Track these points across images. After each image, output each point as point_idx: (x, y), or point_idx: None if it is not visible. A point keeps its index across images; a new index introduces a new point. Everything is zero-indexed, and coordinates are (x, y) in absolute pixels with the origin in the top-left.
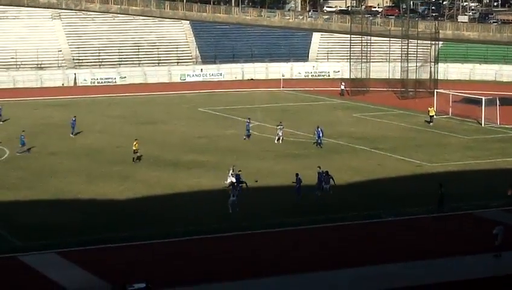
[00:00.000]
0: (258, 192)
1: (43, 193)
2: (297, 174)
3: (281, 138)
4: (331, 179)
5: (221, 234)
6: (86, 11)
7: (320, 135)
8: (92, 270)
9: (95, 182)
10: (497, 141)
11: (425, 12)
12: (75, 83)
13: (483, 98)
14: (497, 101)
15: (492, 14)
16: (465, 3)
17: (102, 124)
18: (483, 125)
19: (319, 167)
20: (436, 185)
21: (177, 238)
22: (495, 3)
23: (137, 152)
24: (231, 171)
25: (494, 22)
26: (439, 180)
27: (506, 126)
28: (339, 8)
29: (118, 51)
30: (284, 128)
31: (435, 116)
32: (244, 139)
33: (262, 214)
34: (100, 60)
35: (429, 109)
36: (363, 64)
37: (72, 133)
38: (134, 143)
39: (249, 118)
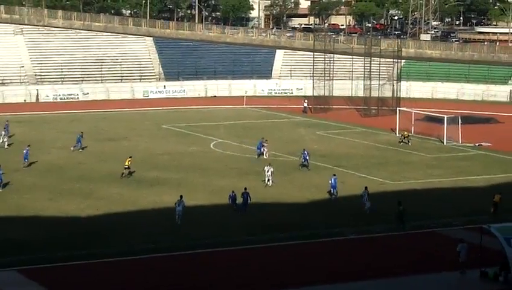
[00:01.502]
0: (219, 209)
1: (4, 209)
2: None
3: (266, 153)
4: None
5: (178, 252)
6: (49, 26)
7: (307, 157)
8: (52, 288)
9: (57, 199)
10: (459, 160)
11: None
12: (37, 99)
13: (445, 116)
14: (459, 120)
15: (455, 32)
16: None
17: (64, 141)
18: (445, 143)
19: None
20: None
21: (138, 256)
22: (457, 22)
23: (129, 168)
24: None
25: (456, 41)
26: (401, 198)
27: (468, 144)
28: (303, 26)
29: (80, 67)
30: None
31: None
32: (256, 158)
33: (221, 232)
34: (63, 76)
35: (404, 133)
36: (326, 82)
37: (74, 147)
38: (128, 160)
39: (262, 138)
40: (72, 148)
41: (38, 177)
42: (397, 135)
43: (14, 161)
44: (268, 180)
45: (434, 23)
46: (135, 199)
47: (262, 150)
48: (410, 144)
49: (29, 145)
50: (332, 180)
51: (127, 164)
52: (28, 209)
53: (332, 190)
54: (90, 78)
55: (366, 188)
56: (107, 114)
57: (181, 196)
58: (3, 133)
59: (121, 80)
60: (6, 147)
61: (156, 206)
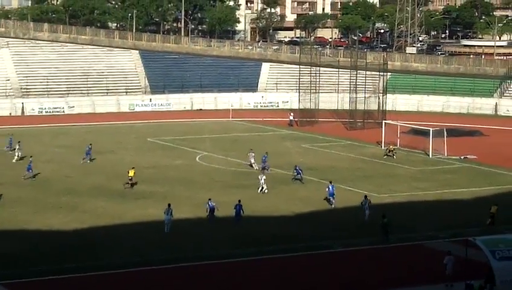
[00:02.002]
0: (205, 222)
1: None
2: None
3: (254, 164)
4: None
5: (164, 265)
6: (35, 39)
7: (300, 172)
8: None
9: (42, 213)
10: (445, 172)
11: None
12: (22, 112)
13: (431, 129)
14: (445, 133)
15: (440, 46)
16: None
17: (50, 154)
18: (430, 156)
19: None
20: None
21: (124, 269)
22: (443, 35)
23: (131, 179)
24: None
25: (441, 54)
26: (386, 211)
27: (454, 157)
28: (289, 39)
29: (66, 80)
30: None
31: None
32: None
33: (207, 245)
34: (48, 89)
35: (389, 146)
36: (312, 95)
37: (84, 159)
38: (132, 171)
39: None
40: (81, 160)
41: (24, 191)
42: (383, 148)
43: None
44: (262, 187)
45: (423, 37)
46: (121, 212)
47: (265, 164)
48: (395, 157)
49: (31, 156)
50: (330, 187)
51: (131, 174)
52: (13, 223)
53: (330, 197)
54: (75, 91)
55: (366, 196)
56: (92, 127)
57: (169, 204)
58: (17, 147)
59: (107, 93)
60: (14, 161)
61: (142, 219)
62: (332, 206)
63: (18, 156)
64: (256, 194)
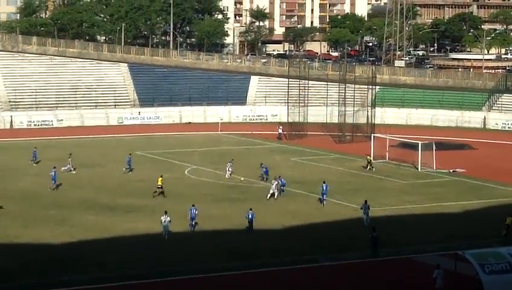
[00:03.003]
0: (194, 236)
1: None
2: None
3: (231, 173)
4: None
5: (153, 279)
6: (23, 52)
7: (284, 183)
8: None
9: (31, 226)
10: (434, 186)
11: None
12: (11, 125)
13: (420, 142)
14: (433, 146)
15: (429, 59)
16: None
17: (38, 167)
18: (419, 169)
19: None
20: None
21: (113, 283)
22: (431, 49)
23: (161, 187)
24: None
25: (430, 67)
26: (375, 225)
27: (442, 171)
28: (277, 52)
29: (55, 93)
30: (233, 164)
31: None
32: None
33: (196, 258)
34: (37, 102)
35: (368, 157)
36: (300, 108)
37: (126, 169)
38: (160, 179)
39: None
40: (123, 169)
41: (12, 204)
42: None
43: None
44: (273, 193)
45: (419, 51)
46: (110, 225)
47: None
48: (374, 169)
49: (55, 167)
50: (324, 187)
51: (159, 183)
52: (1, 237)
53: (323, 196)
54: (64, 104)
55: (366, 201)
56: (81, 140)
57: (165, 212)
58: (69, 160)
59: (96, 106)
60: (74, 172)
61: (131, 233)
62: (323, 205)
63: (69, 168)
64: (245, 208)
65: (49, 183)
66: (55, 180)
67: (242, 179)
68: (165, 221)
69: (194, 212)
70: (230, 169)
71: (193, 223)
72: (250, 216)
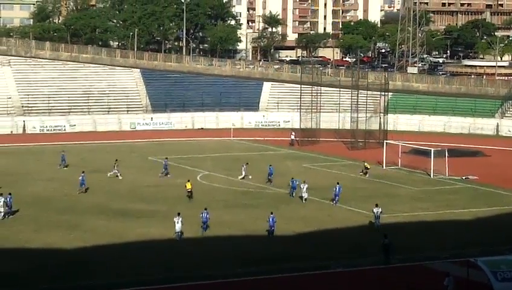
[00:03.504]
0: (206, 242)
1: None
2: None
3: (244, 177)
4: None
5: (166, 285)
6: (36, 58)
7: (295, 185)
8: None
9: (43, 231)
10: (446, 193)
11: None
12: (24, 130)
13: (432, 149)
14: (446, 153)
15: (441, 66)
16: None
17: (50, 173)
18: (432, 176)
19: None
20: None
21: (125, 289)
22: (444, 55)
23: (190, 191)
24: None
25: (442, 74)
26: (387, 231)
27: (455, 178)
28: (290, 58)
29: (67, 98)
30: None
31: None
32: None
33: (208, 264)
34: (50, 108)
35: (365, 163)
36: (313, 115)
37: (162, 173)
38: (189, 183)
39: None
40: (159, 174)
41: (25, 209)
42: (384, 167)
43: None
44: (302, 196)
45: (438, 58)
46: (122, 231)
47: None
48: (367, 176)
49: (83, 172)
50: (337, 188)
51: (189, 187)
52: (13, 241)
53: (335, 197)
54: (77, 109)
55: (377, 205)
56: (93, 146)
57: (178, 213)
58: (114, 166)
59: (108, 111)
60: (120, 177)
61: (144, 238)
62: (336, 204)
63: (116, 173)
64: (258, 214)
65: (78, 187)
66: (84, 184)
67: (250, 177)
68: (178, 222)
69: (205, 215)
70: (244, 172)
71: (205, 226)
72: (271, 220)
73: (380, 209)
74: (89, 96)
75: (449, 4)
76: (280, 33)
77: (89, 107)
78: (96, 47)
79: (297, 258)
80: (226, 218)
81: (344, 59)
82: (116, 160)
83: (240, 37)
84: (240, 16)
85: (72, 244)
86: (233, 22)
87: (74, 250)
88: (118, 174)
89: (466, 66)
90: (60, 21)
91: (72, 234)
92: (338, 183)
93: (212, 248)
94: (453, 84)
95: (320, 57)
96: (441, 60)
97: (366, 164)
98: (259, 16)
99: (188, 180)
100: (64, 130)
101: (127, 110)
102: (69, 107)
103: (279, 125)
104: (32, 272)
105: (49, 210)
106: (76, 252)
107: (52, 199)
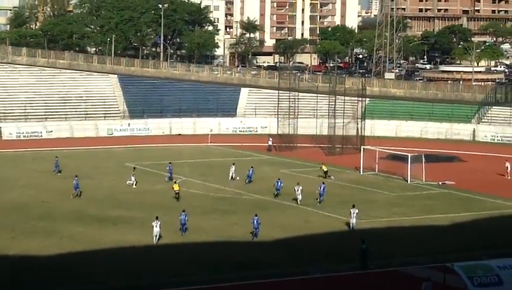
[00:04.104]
0: (183, 248)
1: None
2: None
3: (234, 176)
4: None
5: None
6: (13, 64)
7: (280, 186)
8: None
9: (20, 238)
10: (423, 198)
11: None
12: (0, 136)
13: (409, 154)
14: (423, 158)
15: (418, 71)
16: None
17: (27, 179)
18: (409, 182)
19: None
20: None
21: None
22: (421, 61)
23: (178, 193)
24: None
25: (419, 79)
26: (365, 237)
27: (432, 183)
28: (268, 64)
29: (44, 104)
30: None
31: (179, 192)
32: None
33: (184, 270)
34: (26, 114)
35: (322, 166)
36: (290, 120)
37: (169, 178)
38: (176, 185)
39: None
40: (166, 179)
41: (1, 216)
42: (361, 173)
43: None
44: (296, 198)
45: (426, 65)
46: (99, 237)
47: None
48: (332, 177)
49: (77, 176)
50: (321, 187)
51: (176, 188)
52: None
53: (320, 196)
54: (54, 115)
55: (354, 205)
56: (70, 152)
57: (157, 217)
58: (133, 173)
59: (85, 117)
60: (134, 186)
61: (121, 244)
62: (319, 203)
63: (133, 182)
64: (236, 220)
65: (72, 191)
66: (78, 188)
67: (238, 178)
68: (156, 226)
69: (184, 217)
70: (234, 173)
71: (184, 228)
72: (255, 222)
73: (356, 210)
74: (65, 102)
75: (426, 10)
76: (258, 39)
77: (66, 113)
78: (73, 53)
79: (274, 264)
80: (203, 224)
81: (323, 65)
82: (134, 168)
83: (217, 42)
84: (218, 22)
85: (49, 251)
86: (211, 28)
87: (51, 257)
88: (135, 183)
89: (443, 71)
90: (37, 27)
91: (48, 241)
92: (323, 183)
93: (189, 254)
94: (430, 90)
95: (301, 63)
96: (428, 67)
97: (323, 167)
98: (237, 21)
99: (175, 182)
100: (41, 136)
101: (104, 116)
102: (46, 113)
103: (257, 131)
104: (10, 279)
105: (26, 217)
106: (52, 259)
107: (29, 205)
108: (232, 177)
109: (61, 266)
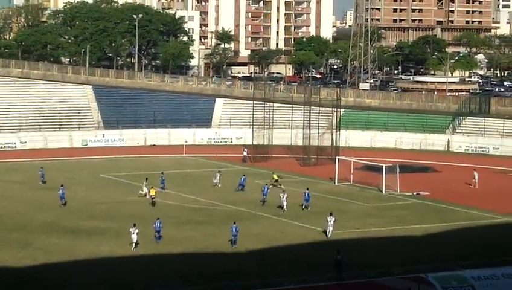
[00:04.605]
0: (157, 259)
1: None
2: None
3: (218, 184)
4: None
5: None
6: None
7: (266, 192)
8: None
9: None
10: (397, 209)
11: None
12: None
13: (384, 165)
14: (397, 169)
15: (393, 81)
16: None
17: (1, 190)
18: (383, 192)
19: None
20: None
21: None
22: (395, 72)
23: (154, 197)
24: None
25: (394, 90)
26: (340, 248)
27: (406, 193)
28: (242, 74)
29: (18, 115)
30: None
31: (155, 197)
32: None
33: (158, 282)
34: (0, 124)
35: (273, 175)
36: (265, 131)
37: (162, 188)
38: (152, 189)
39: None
40: (160, 189)
41: None
42: (336, 183)
43: None
44: (282, 205)
45: (410, 76)
46: (73, 249)
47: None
48: (283, 187)
49: (62, 185)
50: (306, 194)
51: (153, 193)
52: None
53: (305, 203)
54: (28, 126)
55: (331, 213)
56: (45, 163)
57: (134, 224)
58: (145, 184)
59: (60, 128)
60: (147, 197)
61: (95, 256)
62: (308, 209)
63: (145, 192)
64: (211, 231)
65: (58, 201)
66: (64, 198)
67: (220, 185)
68: (134, 233)
69: (158, 225)
70: (218, 179)
71: (158, 235)
72: (234, 230)
73: (333, 218)
74: (40, 113)
75: (400, 20)
76: (232, 49)
77: (40, 124)
78: (47, 63)
79: (249, 275)
80: (178, 235)
81: (298, 75)
82: (146, 179)
83: (192, 53)
84: (193, 32)
85: (22, 263)
86: (185, 38)
87: (24, 268)
88: (147, 193)
89: (417, 82)
90: (11, 37)
91: (22, 252)
92: (307, 189)
93: (164, 265)
94: (405, 100)
95: (279, 73)
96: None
97: (274, 175)
98: (211, 32)
99: (152, 187)
100: (15, 147)
101: (79, 127)
102: (20, 124)
103: (232, 141)
104: None
105: (0, 228)
106: (26, 271)
107: (2, 216)
108: (215, 184)
109: (35, 277)
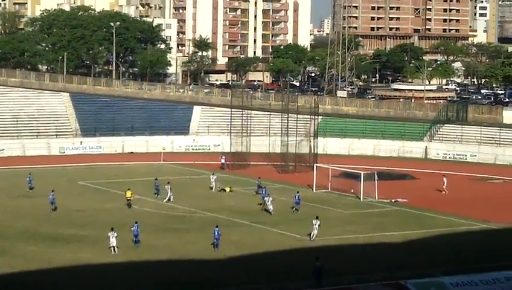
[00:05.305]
0: (135, 266)
1: None
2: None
3: (214, 187)
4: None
5: None
6: None
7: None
8: None
9: None
10: (375, 216)
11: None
12: None
13: (362, 172)
14: (375, 176)
15: (371, 89)
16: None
17: None
18: (361, 199)
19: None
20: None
21: None
22: (373, 79)
23: (130, 199)
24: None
25: (372, 98)
26: (319, 254)
27: (384, 201)
28: (220, 82)
29: None
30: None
31: (131, 199)
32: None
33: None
34: None
35: (126, 191)
36: (243, 138)
37: (157, 196)
38: (129, 191)
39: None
40: (154, 195)
41: None
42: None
43: None
44: (268, 209)
45: (396, 86)
46: (51, 256)
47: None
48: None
49: (53, 191)
50: (296, 197)
51: (129, 195)
52: None
53: (295, 205)
54: (5, 134)
55: (317, 217)
56: (22, 170)
57: (112, 228)
58: (168, 187)
59: (37, 136)
60: (169, 200)
61: (73, 263)
62: (299, 211)
63: (170, 197)
64: (189, 238)
65: (48, 206)
66: (54, 203)
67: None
68: (112, 237)
69: (136, 229)
70: (214, 182)
71: (136, 239)
72: (216, 233)
73: (319, 222)
74: (17, 121)
75: (378, 28)
76: (210, 57)
77: (18, 131)
78: (24, 71)
79: (227, 282)
80: (156, 242)
81: (275, 83)
82: (168, 182)
83: (169, 60)
84: (170, 40)
85: (0, 271)
86: (163, 46)
87: (2, 276)
88: (170, 198)
89: (395, 89)
90: None
91: (0, 260)
92: (298, 192)
93: (142, 273)
94: (382, 108)
95: (260, 80)
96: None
97: (127, 192)
98: (189, 39)
99: (128, 189)
100: None
101: (56, 135)
102: None
103: (210, 149)
104: None
105: None
106: (4, 279)
107: None
108: (212, 187)
109: (13, 285)
